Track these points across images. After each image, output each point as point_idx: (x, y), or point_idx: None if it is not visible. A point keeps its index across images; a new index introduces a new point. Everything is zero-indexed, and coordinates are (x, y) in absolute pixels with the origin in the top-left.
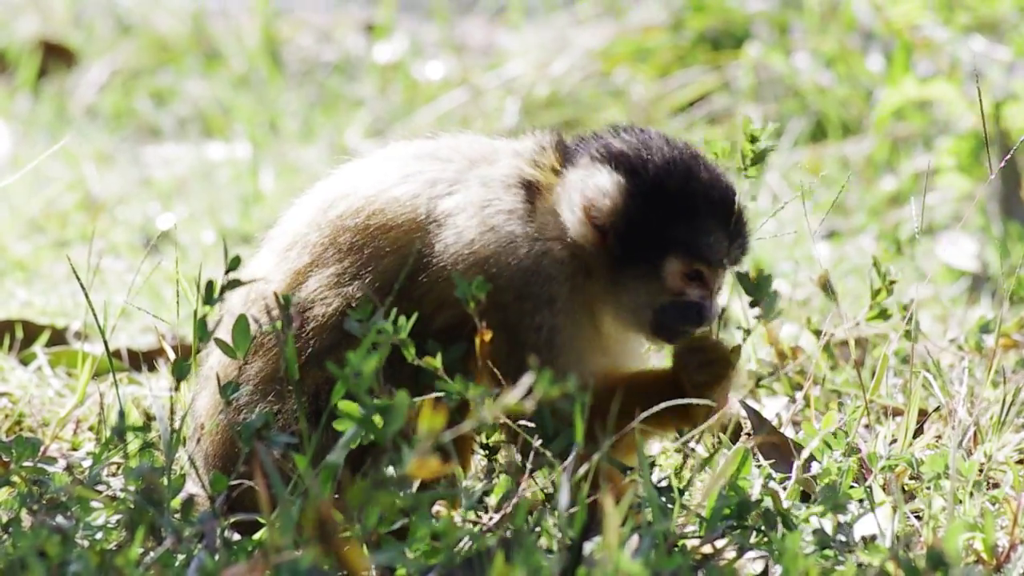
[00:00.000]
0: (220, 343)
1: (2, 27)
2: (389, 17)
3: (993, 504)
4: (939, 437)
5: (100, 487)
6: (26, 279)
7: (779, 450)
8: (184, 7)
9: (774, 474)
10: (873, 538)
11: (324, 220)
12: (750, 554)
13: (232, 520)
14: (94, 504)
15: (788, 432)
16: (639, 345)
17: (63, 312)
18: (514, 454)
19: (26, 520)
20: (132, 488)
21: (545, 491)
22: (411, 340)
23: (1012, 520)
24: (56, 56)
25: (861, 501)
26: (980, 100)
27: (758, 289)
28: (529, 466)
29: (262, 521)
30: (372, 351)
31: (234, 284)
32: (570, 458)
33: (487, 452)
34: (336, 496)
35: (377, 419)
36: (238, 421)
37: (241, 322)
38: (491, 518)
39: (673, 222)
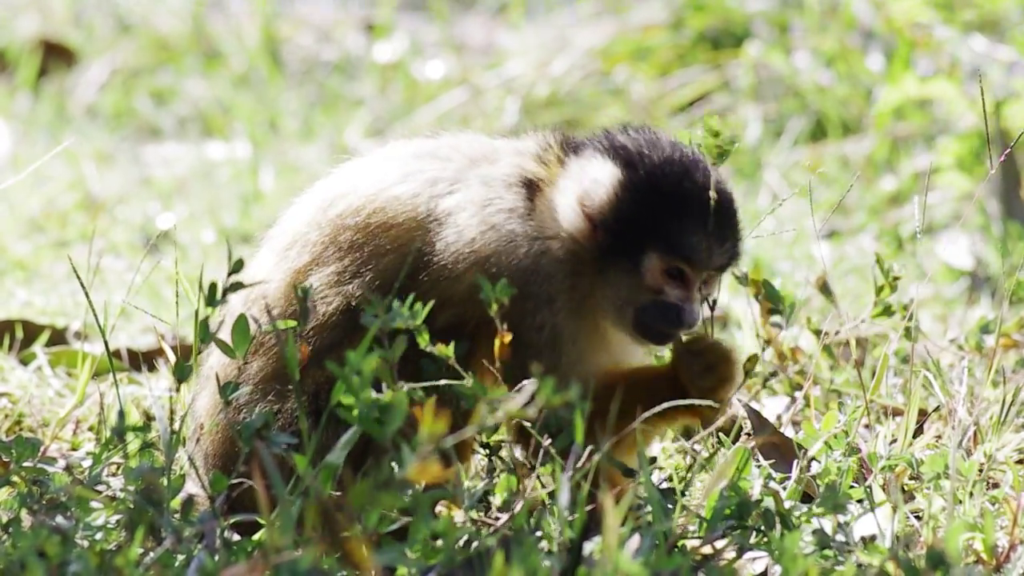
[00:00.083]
0: (220, 343)
1: (2, 26)
2: (389, 16)
3: (993, 504)
4: (939, 437)
5: (100, 487)
6: (26, 279)
7: (779, 450)
8: (184, 6)
9: (774, 474)
10: (873, 538)
11: (324, 219)
12: (750, 554)
13: (232, 520)
14: (94, 504)
15: (788, 432)
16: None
17: (63, 312)
18: (514, 453)
19: (26, 520)
20: (132, 488)
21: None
22: (425, 327)
23: (1012, 520)
24: (56, 55)
25: (861, 501)
26: (983, 99)
27: (778, 298)
28: (535, 463)
29: (262, 521)
30: (381, 346)
31: (237, 286)
32: (570, 458)
33: (487, 451)
34: (337, 495)
35: (376, 417)
36: (238, 421)
37: (241, 322)
38: (496, 518)
39: (659, 218)
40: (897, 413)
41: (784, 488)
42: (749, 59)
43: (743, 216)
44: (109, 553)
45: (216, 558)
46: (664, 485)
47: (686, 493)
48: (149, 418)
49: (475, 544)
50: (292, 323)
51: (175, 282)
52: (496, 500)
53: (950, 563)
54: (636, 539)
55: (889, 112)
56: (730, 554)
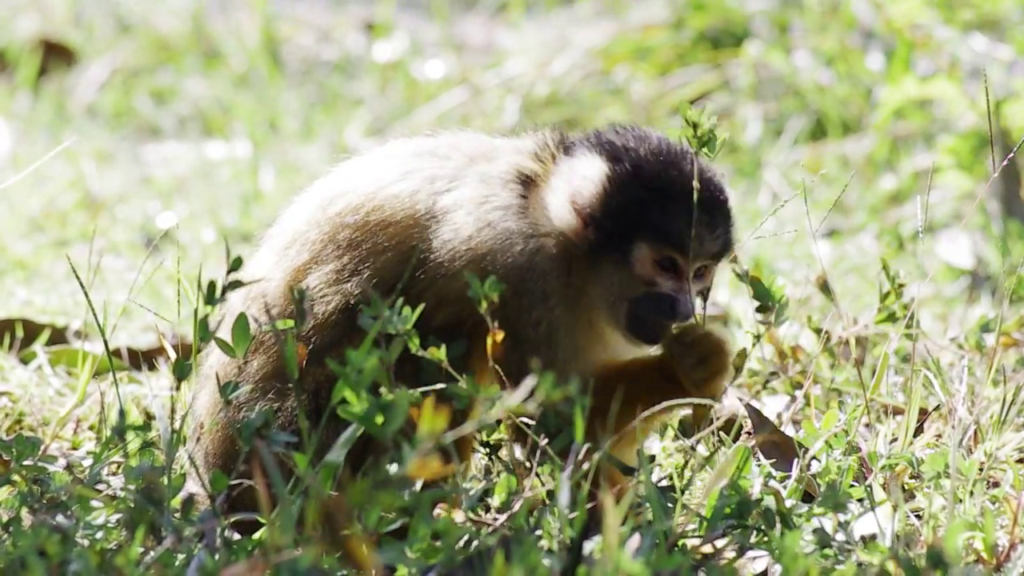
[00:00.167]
0: (220, 342)
1: (2, 26)
2: (389, 16)
3: (993, 503)
4: (939, 436)
5: (100, 486)
6: (26, 278)
7: (780, 449)
8: (184, 6)
9: (775, 473)
10: (873, 537)
11: (323, 217)
12: (750, 553)
13: (232, 519)
14: (94, 503)
15: (788, 431)
16: None
17: (63, 311)
18: (515, 453)
19: (26, 519)
20: (132, 487)
21: (546, 488)
22: (416, 331)
23: (1012, 519)
24: (56, 55)
25: (861, 500)
26: (988, 99)
27: (768, 294)
28: (533, 463)
29: (262, 520)
30: (379, 347)
31: (236, 285)
32: (570, 457)
33: (488, 451)
34: (337, 494)
35: (378, 417)
36: (238, 420)
37: (241, 321)
38: (495, 518)
39: (646, 208)
40: (897, 412)
41: (784, 487)
42: (749, 59)
43: (737, 207)
44: (109, 552)
45: (216, 557)
46: (664, 484)
47: (686, 492)
48: (149, 417)
49: (475, 544)
50: (291, 322)
51: (175, 281)
52: (495, 500)
53: (950, 562)
54: (636, 538)
55: (889, 112)
56: (730, 553)
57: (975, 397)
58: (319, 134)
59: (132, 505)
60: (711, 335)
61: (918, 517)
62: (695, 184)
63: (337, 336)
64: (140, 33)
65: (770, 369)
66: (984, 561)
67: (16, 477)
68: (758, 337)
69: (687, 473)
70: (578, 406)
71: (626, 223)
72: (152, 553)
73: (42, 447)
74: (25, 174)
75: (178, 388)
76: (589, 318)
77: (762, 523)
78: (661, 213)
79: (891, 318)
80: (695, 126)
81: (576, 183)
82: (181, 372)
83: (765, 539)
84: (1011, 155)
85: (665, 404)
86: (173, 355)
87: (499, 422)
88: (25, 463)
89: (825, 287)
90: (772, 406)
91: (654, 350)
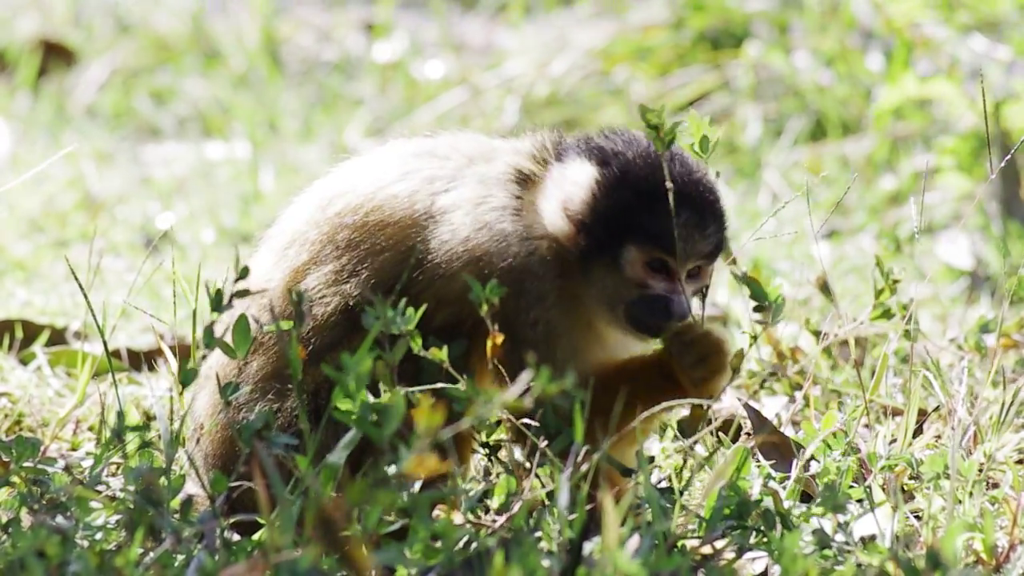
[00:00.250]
0: (220, 343)
1: (2, 26)
2: (389, 16)
3: (993, 504)
4: (939, 437)
5: (100, 487)
6: (26, 279)
7: (779, 450)
8: (184, 6)
9: (774, 474)
10: (873, 538)
11: (323, 218)
12: (750, 554)
13: (232, 520)
14: (94, 504)
15: (788, 432)
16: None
17: (63, 312)
18: (514, 454)
19: (26, 520)
20: (132, 488)
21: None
22: (417, 331)
23: (1012, 520)
24: (56, 55)
25: (861, 501)
26: (984, 99)
27: (764, 294)
28: (533, 464)
29: (262, 521)
30: (380, 346)
31: (242, 294)
32: (569, 457)
33: (487, 452)
34: (336, 495)
35: (374, 419)
36: (238, 421)
37: (241, 322)
38: (494, 519)
39: (634, 211)
40: (897, 413)
41: (784, 488)
42: (749, 59)
43: (735, 208)
44: (109, 553)
45: (216, 558)
46: (663, 485)
47: (685, 493)
48: (149, 418)
49: (474, 545)
50: (292, 323)
51: (174, 282)
52: (495, 502)
53: (949, 563)
54: (635, 539)
55: (889, 112)
56: (729, 554)
57: (975, 398)
58: (319, 134)
59: (131, 506)
60: (710, 334)
61: (917, 518)
62: (667, 185)
63: (337, 337)
64: (140, 33)
65: (768, 370)
66: (983, 562)
67: (16, 478)
68: (755, 337)
69: (686, 474)
70: (577, 403)
71: (615, 227)
72: (151, 554)
73: (42, 448)
74: (26, 177)
75: (180, 392)
76: (587, 318)
77: (761, 524)
78: (648, 215)
79: (887, 314)
80: (656, 128)
81: (567, 189)
82: (186, 379)
83: (764, 540)
84: (1010, 156)
85: (665, 404)
86: (171, 358)
87: (499, 423)
88: (25, 464)
89: (825, 288)
90: (771, 407)
91: (656, 343)
